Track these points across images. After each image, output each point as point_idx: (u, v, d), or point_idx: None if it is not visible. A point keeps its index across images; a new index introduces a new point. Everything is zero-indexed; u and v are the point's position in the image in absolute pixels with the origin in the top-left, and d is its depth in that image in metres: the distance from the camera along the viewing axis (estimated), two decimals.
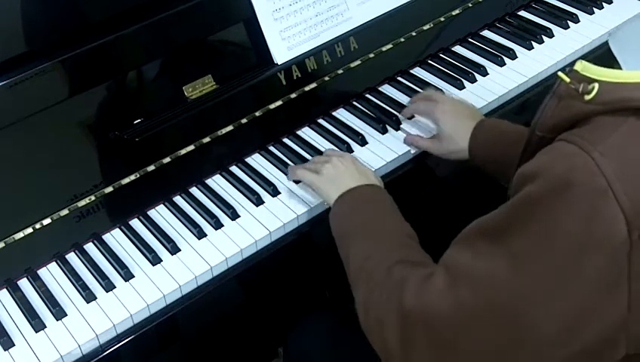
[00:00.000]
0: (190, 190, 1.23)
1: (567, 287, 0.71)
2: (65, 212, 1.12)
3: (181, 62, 1.25)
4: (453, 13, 1.50)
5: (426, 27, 1.47)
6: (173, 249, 1.13)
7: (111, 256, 1.12)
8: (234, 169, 1.27)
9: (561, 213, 0.70)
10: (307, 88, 1.33)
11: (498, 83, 1.42)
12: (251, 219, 1.17)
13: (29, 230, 1.10)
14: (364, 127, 1.34)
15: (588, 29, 1.53)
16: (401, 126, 1.33)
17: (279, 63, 1.30)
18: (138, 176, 1.18)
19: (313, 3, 1.33)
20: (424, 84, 1.42)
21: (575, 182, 0.69)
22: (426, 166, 1.33)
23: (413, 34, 1.45)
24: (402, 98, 1.40)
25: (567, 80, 0.76)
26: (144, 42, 1.20)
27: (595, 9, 1.58)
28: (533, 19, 1.58)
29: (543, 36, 1.52)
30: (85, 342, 1.02)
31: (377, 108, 1.37)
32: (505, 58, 1.47)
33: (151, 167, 1.20)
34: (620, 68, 0.78)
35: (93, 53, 1.13)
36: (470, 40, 1.53)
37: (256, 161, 1.29)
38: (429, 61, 1.48)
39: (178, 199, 1.22)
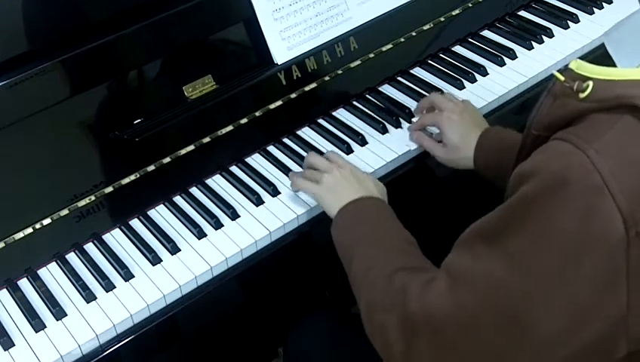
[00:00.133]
0: (190, 190, 1.23)
1: (566, 286, 0.71)
2: (65, 212, 1.12)
3: (181, 62, 1.25)
4: (453, 13, 1.50)
5: (426, 27, 1.47)
6: (173, 249, 1.13)
7: (111, 256, 1.12)
8: (234, 169, 1.27)
9: (558, 211, 0.70)
10: (307, 88, 1.33)
11: (498, 83, 1.42)
12: (251, 219, 1.17)
13: (29, 230, 1.10)
14: (364, 127, 1.34)
15: (588, 29, 1.53)
16: (402, 126, 1.32)
17: (279, 63, 1.30)
18: (138, 176, 1.18)
19: (313, 3, 1.33)
20: (424, 84, 1.42)
21: (571, 180, 0.69)
22: (426, 166, 1.33)
23: (413, 34, 1.45)
24: (402, 98, 1.40)
25: (562, 78, 0.76)
26: (144, 42, 1.20)
27: (595, 9, 1.59)
28: (533, 19, 1.58)
29: (543, 36, 1.52)
30: (85, 342, 1.02)
31: (377, 108, 1.37)
32: (505, 58, 1.47)
33: (151, 167, 1.20)
34: (614, 66, 0.78)
35: (94, 53, 1.13)
36: (470, 40, 1.53)
37: (256, 161, 1.29)
38: (429, 61, 1.48)
39: (178, 199, 1.22)
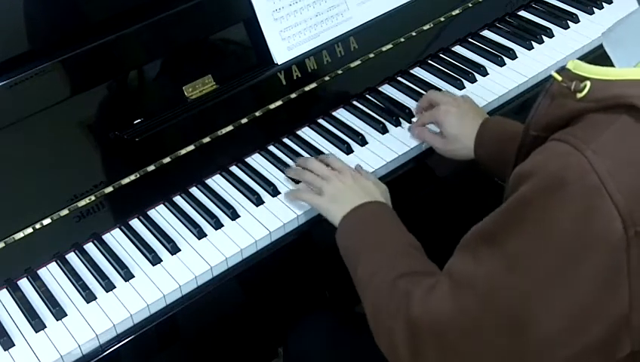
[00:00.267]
0: (190, 190, 1.23)
1: (566, 287, 0.71)
2: (65, 212, 1.12)
3: (181, 62, 1.25)
4: (453, 13, 1.50)
5: (426, 27, 1.47)
6: (173, 249, 1.13)
7: (111, 256, 1.12)
8: (234, 169, 1.27)
9: (556, 212, 0.70)
10: (307, 88, 1.33)
11: (498, 83, 1.42)
12: (251, 219, 1.17)
13: (29, 230, 1.10)
14: (364, 127, 1.34)
15: (588, 29, 1.53)
16: (402, 126, 1.33)
17: (279, 63, 1.30)
18: (138, 176, 1.18)
19: (313, 3, 1.33)
20: (424, 84, 1.42)
21: (569, 180, 0.69)
22: (426, 166, 1.33)
23: (413, 34, 1.45)
24: (402, 98, 1.40)
25: (560, 78, 0.76)
26: (144, 42, 1.20)
27: (595, 9, 1.59)
28: (533, 19, 1.58)
29: (543, 36, 1.52)
30: (85, 342, 1.02)
31: (377, 108, 1.37)
32: (505, 58, 1.47)
33: (151, 167, 1.20)
34: (614, 66, 0.78)
35: (94, 53, 1.13)
36: (470, 40, 1.53)
37: (256, 161, 1.29)
38: (429, 61, 1.48)
39: (178, 199, 1.22)
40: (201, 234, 1.15)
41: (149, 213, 1.20)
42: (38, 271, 1.12)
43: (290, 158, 1.27)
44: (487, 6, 1.55)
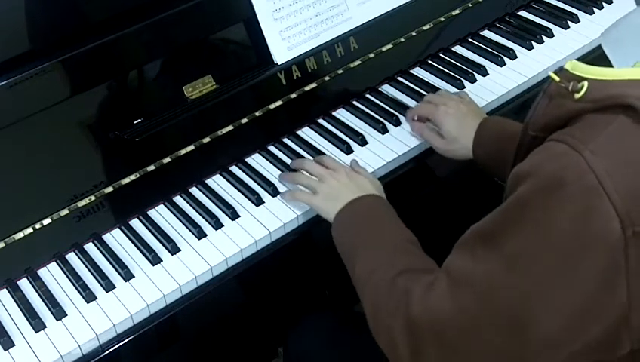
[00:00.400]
0: (190, 190, 1.23)
1: (565, 286, 0.71)
2: (65, 212, 1.12)
3: (181, 62, 1.25)
4: (453, 13, 1.50)
5: (426, 27, 1.47)
6: (173, 249, 1.13)
7: (111, 256, 1.12)
8: (234, 169, 1.27)
9: (554, 212, 0.70)
10: (307, 88, 1.33)
11: (498, 83, 1.42)
12: (251, 219, 1.17)
13: (29, 230, 1.10)
14: (364, 127, 1.34)
15: (588, 29, 1.53)
16: (402, 126, 1.33)
17: (279, 63, 1.30)
18: (138, 176, 1.18)
19: (313, 3, 1.33)
20: (424, 84, 1.42)
21: (567, 180, 0.70)
22: (426, 166, 1.33)
23: (413, 34, 1.45)
24: (402, 98, 1.40)
25: (557, 79, 0.76)
26: (144, 42, 1.20)
27: (595, 9, 1.59)
28: (533, 19, 1.58)
29: (543, 36, 1.52)
30: (85, 342, 1.02)
31: (377, 108, 1.37)
32: (505, 58, 1.47)
33: (151, 167, 1.20)
34: (612, 66, 0.78)
35: (94, 53, 1.13)
36: (470, 40, 1.53)
37: (256, 161, 1.29)
38: (429, 61, 1.48)
39: (178, 199, 1.22)
40: (201, 234, 1.15)
41: (149, 213, 1.20)
42: (38, 271, 1.12)
43: (291, 158, 1.27)
44: (487, 6, 1.55)
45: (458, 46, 1.53)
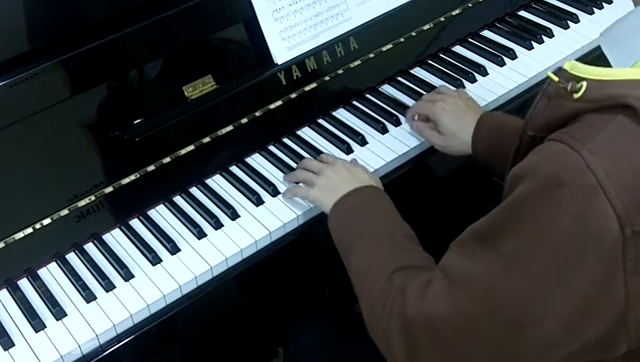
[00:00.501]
0: (190, 190, 1.23)
1: (563, 286, 0.71)
2: (65, 212, 1.12)
3: (181, 62, 1.25)
4: (453, 13, 1.50)
5: (426, 27, 1.47)
6: (173, 249, 1.13)
7: (111, 256, 1.12)
8: (234, 169, 1.27)
9: (553, 211, 0.70)
10: (307, 88, 1.33)
11: (498, 83, 1.42)
12: (251, 219, 1.17)
13: (29, 230, 1.10)
14: (364, 127, 1.34)
15: (588, 29, 1.53)
16: (402, 126, 1.33)
17: (279, 63, 1.30)
18: (138, 176, 1.18)
19: (313, 3, 1.33)
20: (424, 84, 1.42)
21: (565, 180, 0.70)
22: (425, 166, 1.33)
23: (413, 34, 1.45)
24: (402, 98, 1.40)
25: (556, 79, 0.77)
26: (144, 42, 1.20)
27: (595, 9, 1.59)
28: (533, 19, 1.58)
29: (543, 36, 1.52)
30: (85, 342, 1.02)
31: (377, 108, 1.37)
32: (505, 58, 1.47)
33: (151, 167, 1.20)
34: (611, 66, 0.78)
35: (94, 53, 1.13)
36: (470, 40, 1.53)
37: (256, 161, 1.29)
38: (429, 61, 1.48)
39: (178, 199, 1.22)
40: (201, 234, 1.15)
41: (149, 213, 1.20)
42: (38, 271, 1.12)
43: (290, 158, 1.27)
44: (487, 6, 1.55)
45: (458, 46, 1.53)
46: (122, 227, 1.17)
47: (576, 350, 0.74)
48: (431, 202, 1.48)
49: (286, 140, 1.32)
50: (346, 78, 1.37)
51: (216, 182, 1.25)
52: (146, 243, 1.14)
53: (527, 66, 1.45)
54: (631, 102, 0.70)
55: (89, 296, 1.07)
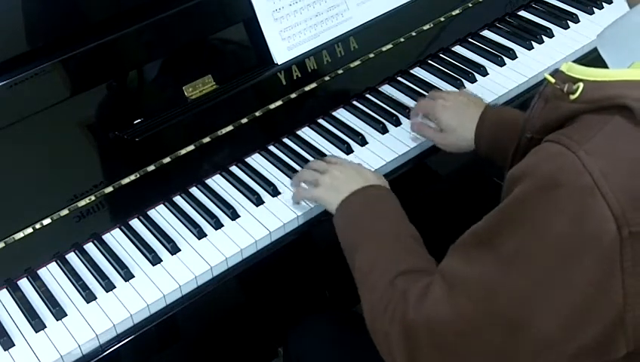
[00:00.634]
0: (190, 190, 1.23)
1: (561, 287, 0.71)
2: (65, 212, 1.12)
3: (181, 62, 1.25)
4: (453, 13, 1.50)
5: (426, 27, 1.47)
6: (173, 249, 1.13)
7: (111, 256, 1.12)
8: (234, 169, 1.27)
9: (550, 212, 0.70)
10: (307, 88, 1.33)
11: (498, 83, 1.42)
12: (251, 219, 1.17)
13: (29, 230, 1.10)
14: (364, 127, 1.34)
15: (588, 29, 1.53)
16: (402, 126, 1.33)
17: (279, 63, 1.30)
18: (138, 176, 1.18)
19: (313, 3, 1.33)
20: (424, 84, 1.42)
21: (562, 181, 0.70)
22: (425, 166, 1.33)
23: (413, 34, 1.45)
24: (402, 98, 1.40)
25: (553, 81, 0.77)
26: (144, 42, 1.20)
27: (595, 9, 1.59)
28: (533, 19, 1.58)
29: (543, 36, 1.52)
30: (85, 342, 1.02)
31: (377, 108, 1.37)
32: (505, 58, 1.47)
33: (151, 167, 1.20)
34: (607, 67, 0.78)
35: (94, 53, 1.13)
36: (470, 40, 1.53)
37: (256, 161, 1.29)
38: (429, 61, 1.48)
39: (178, 199, 1.22)
40: (201, 234, 1.15)
41: (149, 213, 1.20)
42: (38, 271, 1.12)
43: (291, 158, 1.27)
44: (487, 6, 1.55)
45: (458, 46, 1.53)
46: (122, 227, 1.17)
47: (575, 351, 0.74)
48: (431, 202, 1.48)
49: (286, 140, 1.32)
50: (346, 78, 1.37)
51: (216, 182, 1.25)
52: (146, 243, 1.14)
53: (527, 66, 1.45)
54: (628, 103, 0.70)
55: (89, 296, 1.07)
